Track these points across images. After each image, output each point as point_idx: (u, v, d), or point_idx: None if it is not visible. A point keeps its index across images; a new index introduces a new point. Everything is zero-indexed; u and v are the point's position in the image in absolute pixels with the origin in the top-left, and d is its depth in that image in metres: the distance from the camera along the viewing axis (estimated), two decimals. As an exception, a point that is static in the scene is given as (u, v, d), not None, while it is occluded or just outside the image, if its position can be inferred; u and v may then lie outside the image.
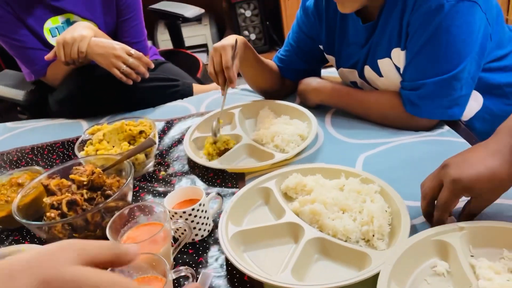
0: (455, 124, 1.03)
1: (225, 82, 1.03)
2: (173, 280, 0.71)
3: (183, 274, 0.66)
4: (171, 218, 0.80)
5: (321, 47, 1.18)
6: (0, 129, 1.41)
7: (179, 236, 0.81)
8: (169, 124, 1.24)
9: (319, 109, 1.16)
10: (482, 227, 0.70)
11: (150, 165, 1.07)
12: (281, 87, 1.24)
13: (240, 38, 1.07)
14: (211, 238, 0.83)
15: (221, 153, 1.03)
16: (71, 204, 0.83)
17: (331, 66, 1.24)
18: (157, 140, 1.06)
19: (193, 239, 0.82)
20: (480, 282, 0.62)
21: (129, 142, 1.07)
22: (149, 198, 0.97)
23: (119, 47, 1.27)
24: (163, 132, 1.21)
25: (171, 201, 0.84)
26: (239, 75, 1.22)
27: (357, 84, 1.17)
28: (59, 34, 1.39)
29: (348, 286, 0.66)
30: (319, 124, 1.10)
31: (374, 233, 0.74)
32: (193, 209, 0.80)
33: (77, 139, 1.10)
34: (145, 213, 0.80)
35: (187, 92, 1.46)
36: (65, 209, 0.83)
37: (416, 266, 0.68)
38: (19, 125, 1.41)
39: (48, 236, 0.83)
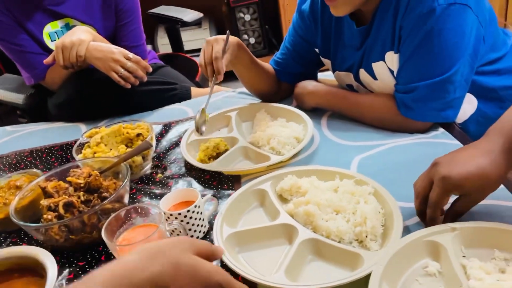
0: (450, 127, 1.04)
1: (214, 73, 1.03)
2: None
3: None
4: (166, 220, 0.81)
5: (317, 50, 1.19)
6: (0, 133, 1.42)
7: (175, 237, 0.82)
8: (166, 127, 1.25)
9: (315, 112, 1.17)
10: (474, 228, 0.71)
11: (147, 168, 1.08)
12: (278, 90, 1.25)
13: (234, 38, 1.08)
14: (206, 240, 0.84)
15: (213, 158, 1.04)
16: (68, 206, 0.84)
17: (327, 69, 1.25)
18: (154, 143, 1.07)
19: (188, 241, 0.83)
20: (471, 282, 0.62)
21: (126, 145, 1.08)
22: (146, 200, 0.98)
23: (118, 51, 1.28)
24: (160, 135, 1.22)
25: (167, 203, 0.85)
26: (236, 78, 1.24)
27: (353, 87, 1.17)
28: (58, 38, 1.41)
29: (340, 286, 0.67)
30: (315, 126, 1.11)
31: (367, 234, 0.75)
32: (188, 211, 0.80)
33: (75, 142, 1.11)
34: (141, 215, 0.81)
35: (185, 96, 1.47)
36: (62, 211, 0.84)
37: (408, 266, 0.69)
38: (18, 129, 1.42)
39: (45, 237, 0.84)
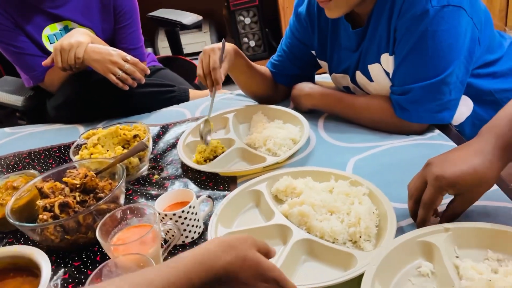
0: (446, 128, 1.04)
1: (213, 84, 1.04)
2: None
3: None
4: (161, 220, 0.81)
5: (313, 52, 1.20)
6: (-1, 134, 1.43)
7: (170, 238, 0.82)
8: (164, 129, 1.26)
9: (312, 114, 1.17)
10: (467, 228, 0.71)
11: (144, 169, 1.08)
12: (274, 92, 1.26)
13: (231, 45, 1.09)
14: (201, 241, 0.84)
15: (209, 160, 1.05)
16: (63, 206, 0.85)
17: (324, 72, 1.26)
18: (150, 144, 1.08)
19: (183, 241, 0.83)
20: (462, 282, 0.63)
21: (123, 146, 1.08)
22: (142, 201, 0.98)
23: (116, 53, 1.29)
24: (158, 137, 1.22)
25: (162, 204, 0.85)
26: (232, 81, 1.24)
27: (349, 89, 1.18)
28: (57, 40, 1.41)
29: (333, 286, 0.67)
30: (311, 128, 1.11)
31: (361, 234, 0.75)
32: (183, 211, 0.81)
33: (73, 143, 1.12)
34: (136, 215, 0.82)
35: (183, 98, 1.48)
36: (57, 211, 0.84)
37: (401, 266, 0.69)
38: (17, 130, 1.43)
39: (41, 238, 0.84)
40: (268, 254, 0.59)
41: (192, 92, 1.53)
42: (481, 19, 0.97)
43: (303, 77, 1.22)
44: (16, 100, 1.51)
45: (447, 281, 0.64)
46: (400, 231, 0.76)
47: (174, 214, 0.80)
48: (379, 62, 1.03)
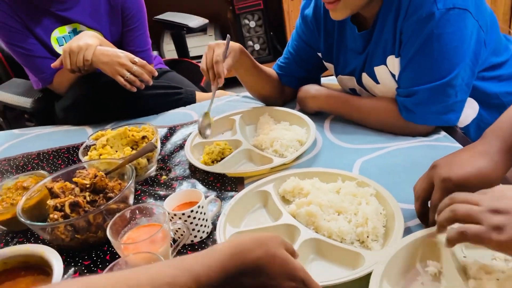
0: (452, 130, 1.04)
1: (215, 77, 1.04)
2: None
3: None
4: (170, 220, 0.82)
5: (319, 54, 1.21)
6: (7, 136, 1.44)
7: (179, 237, 0.83)
8: (171, 130, 1.27)
9: (318, 115, 1.18)
10: (474, 229, 0.71)
11: (152, 170, 1.09)
12: (281, 94, 1.26)
13: (237, 44, 1.10)
14: (209, 240, 0.85)
15: (217, 162, 1.06)
16: (74, 206, 0.86)
17: (331, 74, 1.26)
18: (158, 145, 1.09)
19: (192, 241, 0.84)
20: (470, 282, 0.63)
21: (131, 147, 1.09)
22: (150, 201, 0.99)
23: (124, 55, 1.30)
24: (165, 138, 1.23)
25: (171, 203, 0.86)
26: (240, 83, 1.25)
27: (356, 91, 1.18)
28: (66, 43, 1.43)
29: (341, 284, 0.67)
30: (318, 129, 1.12)
31: (368, 234, 0.76)
32: (192, 211, 0.82)
33: (81, 144, 1.13)
34: (146, 215, 0.83)
35: (190, 100, 1.49)
36: (68, 210, 0.85)
37: (409, 266, 0.70)
38: (25, 132, 1.44)
39: (51, 237, 0.85)
40: (293, 254, 0.61)
41: (199, 94, 1.54)
42: (487, 22, 0.98)
43: (309, 79, 1.23)
44: (25, 102, 1.52)
45: (455, 281, 0.64)
46: (407, 231, 0.77)
47: (183, 214, 0.81)
48: (385, 64, 1.04)
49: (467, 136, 1.04)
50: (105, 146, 1.08)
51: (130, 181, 0.89)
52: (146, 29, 1.56)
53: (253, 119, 1.21)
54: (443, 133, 1.03)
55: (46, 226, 0.84)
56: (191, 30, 1.99)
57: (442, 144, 1.00)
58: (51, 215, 0.86)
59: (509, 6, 2.66)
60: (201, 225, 0.84)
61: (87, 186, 0.89)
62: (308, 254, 0.77)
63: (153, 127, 1.14)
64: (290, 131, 1.10)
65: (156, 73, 1.37)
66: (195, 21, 1.96)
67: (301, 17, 1.21)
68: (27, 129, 1.48)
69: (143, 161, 1.04)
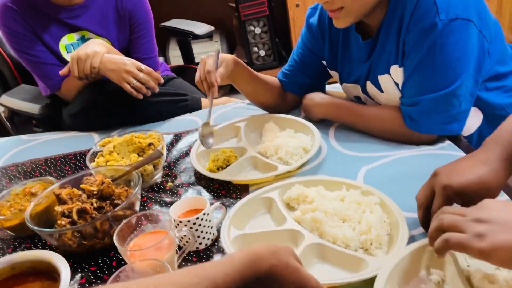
0: (456, 139, 1.05)
1: (210, 88, 1.06)
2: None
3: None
4: (176, 227, 0.83)
5: (324, 62, 1.22)
6: (15, 142, 1.46)
7: (184, 244, 0.84)
8: (177, 137, 1.28)
9: (323, 123, 1.19)
10: (478, 238, 0.71)
11: (158, 176, 1.10)
12: (282, 102, 1.27)
13: (229, 55, 1.12)
14: (214, 247, 0.86)
15: (222, 169, 1.06)
16: (81, 212, 0.87)
17: (336, 82, 1.27)
18: (165, 152, 1.10)
19: (197, 248, 0.85)
20: (474, 291, 0.63)
21: (138, 154, 1.10)
22: (156, 208, 1.00)
23: (130, 63, 1.32)
24: (171, 145, 1.25)
25: (176, 210, 0.87)
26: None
27: (360, 99, 1.19)
28: (74, 50, 1.45)
29: (345, 285, 0.68)
30: (322, 137, 1.12)
31: (372, 241, 0.76)
32: (197, 218, 0.83)
33: (88, 151, 1.14)
34: (152, 221, 0.83)
35: (196, 107, 1.50)
36: (75, 217, 0.86)
37: (413, 273, 0.70)
38: (33, 138, 1.46)
39: (59, 243, 0.86)
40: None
41: (205, 101, 1.55)
42: (491, 31, 0.98)
43: (314, 87, 1.24)
44: (33, 108, 1.54)
45: (459, 289, 0.65)
46: (411, 240, 0.77)
47: (188, 221, 0.82)
48: (389, 73, 1.04)
49: (471, 144, 1.05)
50: (112, 152, 1.10)
51: (137, 188, 0.90)
52: (153, 36, 1.57)
53: (258, 126, 1.22)
54: (447, 142, 1.04)
55: (53, 232, 0.85)
56: (197, 37, 2.01)
57: (447, 152, 1.00)
58: (58, 221, 0.87)
59: (515, 15, 2.67)
60: (206, 232, 0.85)
61: (94, 192, 0.90)
62: (311, 258, 0.78)
63: (159, 134, 1.15)
64: (295, 138, 1.11)
65: (162, 80, 1.39)
66: (201, 28, 1.98)
67: (306, 26, 1.22)
68: (35, 135, 1.50)
69: (149, 167, 1.05)
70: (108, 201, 0.91)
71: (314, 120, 1.19)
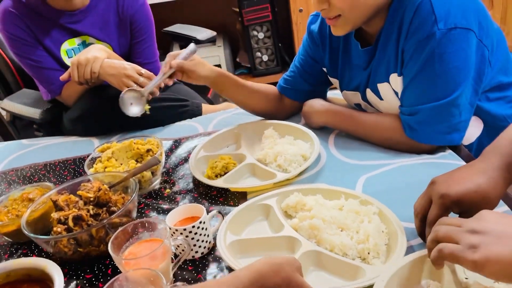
0: (457, 148, 1.04)
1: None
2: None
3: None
4: (172, 235, 0.82)
5: (325, 69, 1.21)
6: (16, 146, 1.46)
7: (180, 252, 0.83)
8: (176, 143, 1.28)
9: (323, 130, 1.18)
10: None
11: (156, 183, 1.10)
12: (279, 109, 1.26)
13: (216, 69, 1.17)
14: (210, 256, 0.85)
15: (220, 176, 1.06)
16: (77, 219, 0.86)
17: (336, 88, 1.27)
18: (163, 158, 1.09)
19: (193, 256, 0.84)
20: (472, 304, 0.62)
21: (136, 160, 1.10)
22: (153, 215, 0.99)
23: (130, 67, 1.32)
24: (170, 151, 1.24)
25: (173, 218, 0.87)
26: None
27: (361, 106, 1.18)
28: (75, 55, 1.45)
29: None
30: (322, 144, 1.12)
31: (369, 250, 0.76)
32: (193, 227, 0.82)
33: (88, 156, 1.14)
34: (148, 229, 0.83)
35: (196, 112, 1.50)
36: (71, 224, 0.86)
37: (410, 284, 0.69)
38: (34, 142, 1.46)
39: (54, 250, 0.86)
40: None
41: (205, 106, 1.55)
42: (493, 40, 0.97)
43: (314, 93, 1.24)
44: (34, 112, 1.54)
45: (456, 302, 0.64)
46: (410, 250, 0.77)
47: (184, 229, 0.81)
48: (388, 82, 1.03)
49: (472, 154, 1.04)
50: (110, 158, 1.09)
51: (133, 195, 0.90)
52: (154, 41, 1.57)
53: (257, 132, 1.21)
54: (448, 151, 1.03)
55: (49, 240, 0.85)
56: (199, 42, 2.01)
57: (447, 161, 0.99)
58: (54, 228, 0.86)
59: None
60: (202, 241, 0.84)
61: (91, 199, 0.90)
62: (308, 266, 0.77)
63: (158, 140, 1.14)
64: (294, 145, 1.10)
65: (163, 85, 1.38)
66: (203, 33, 1.99)
67: (307, 32, 1.21)
68: (36, 139, 1.50)
69: (147, 174, 1.05)
70: (104, 208, 0.90)
71: (314, 127, 1.19)
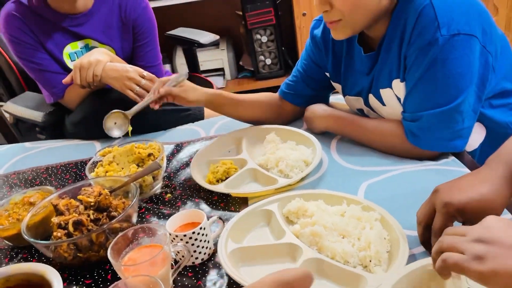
0: (460, 154, 1.03)
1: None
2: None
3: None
4: (172, 241, 0.82)
5: (327, 74, 1.20)
6: (18, 149, 1.46)
7: (180, 258, 0.83)
8: (178, 147, 1.27)
9: (325, 135, 1.18)
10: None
11: (157, 187, 1.09)
12: (279, 116, 1.26)
13: (209, 92, 1.17)
14: (211, 262, 0.84)
15: (221, 181, 1.06)
16: (77, 224, 0.86)
17: (338, 93, 1.26)
18: (164, 163, 1.09)
19: (193, 263, 0.84)
20: (475, 314, 0.61)
21: (137, 165, 1.10)
22: (154, 220, 0.99)
23: (132, 70, 1.32)
24: (172, 155, 1.24)
25: (173, 224, 0.86)
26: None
27: (363, 111, 1.18)
28: (78, 58, 1.45)
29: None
30: (324, 150, 1.11)
31: (371, 258, 0.75)
32: (193, 233, 0.81)
33: (90, 159, 1.14)
34: (148, 234, 0.82)
35: (198, 116, 1.49)
36: (71, 229, 0.86)
37: (412, 294, 0.68)
38: (36, 145, 1.46)
39: (54, 254, 0.85)
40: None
41: (207, 111, 1.54)
42: (497, 46, 0.96)
43: (317, 98, 1.23)
44: (37, 115, 1.54)
45: (459, 312, 0.63)
46: (412, 258, 0.76)
47: (184, 235, 0.81)
48: (391, 87, 1.03)
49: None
50: (111, 163, 1.09)
51: (134, 200, 0.89)
52: (157, 45, 1.57)
53: (259, 137, 1.21)
54: (451, 157, 1.02)
55: (49, 245, 0.84)
56: (202, 46, 2.01)
57: (451, 168, 0.98)
58: (54, 233, 0.86)
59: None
60: (203, 247, 0.83)
61: (91, 204, 0.90)
62: (309, 275, 0.76)
63: (159, 144, 1.14)
64: (296, 150, 1.10)
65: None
66: (206, 37, 1.99)
67: (310, 37, 1.21)
68: (38, 142, 1.50)
69: (148, 178, 1.04)
70: (105, 213, 0.90)
71: (316, 132, 1.18)
